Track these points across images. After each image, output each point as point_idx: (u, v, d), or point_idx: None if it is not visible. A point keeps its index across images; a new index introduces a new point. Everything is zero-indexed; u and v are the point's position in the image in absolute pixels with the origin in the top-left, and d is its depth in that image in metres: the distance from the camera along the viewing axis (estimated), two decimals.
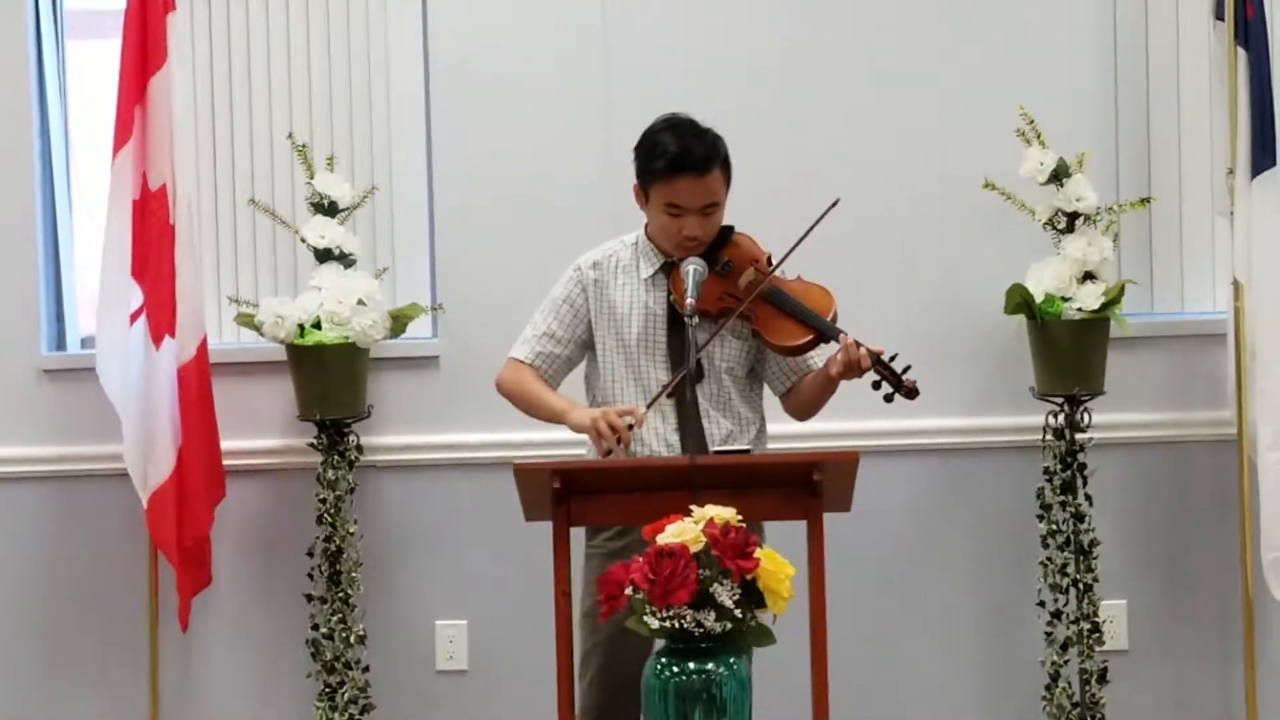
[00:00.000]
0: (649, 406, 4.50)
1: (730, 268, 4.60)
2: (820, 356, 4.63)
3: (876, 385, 4.47)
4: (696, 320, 4.35)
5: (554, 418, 4.65)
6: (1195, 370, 5.85)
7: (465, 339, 5.86)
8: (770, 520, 4.30)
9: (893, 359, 4.47)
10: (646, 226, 4.69)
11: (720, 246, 4.62)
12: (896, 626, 5.89)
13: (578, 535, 4.28)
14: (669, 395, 4.50)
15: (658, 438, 4.57)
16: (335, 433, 5.71)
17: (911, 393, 4.47)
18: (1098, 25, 5.86)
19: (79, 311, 6.06)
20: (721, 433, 4.60)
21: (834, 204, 4.50)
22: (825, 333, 4.52)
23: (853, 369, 4.44)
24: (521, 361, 4.72)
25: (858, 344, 4.44)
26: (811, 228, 4.49)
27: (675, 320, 4.56)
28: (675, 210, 4.54)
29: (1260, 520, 5.53)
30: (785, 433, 4.89)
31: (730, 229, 4.66)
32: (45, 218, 5.98)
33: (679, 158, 4.51)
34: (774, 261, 4.59)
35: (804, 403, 4.72)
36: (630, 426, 4.42)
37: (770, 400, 4.78)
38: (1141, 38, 5.88)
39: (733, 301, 4.54)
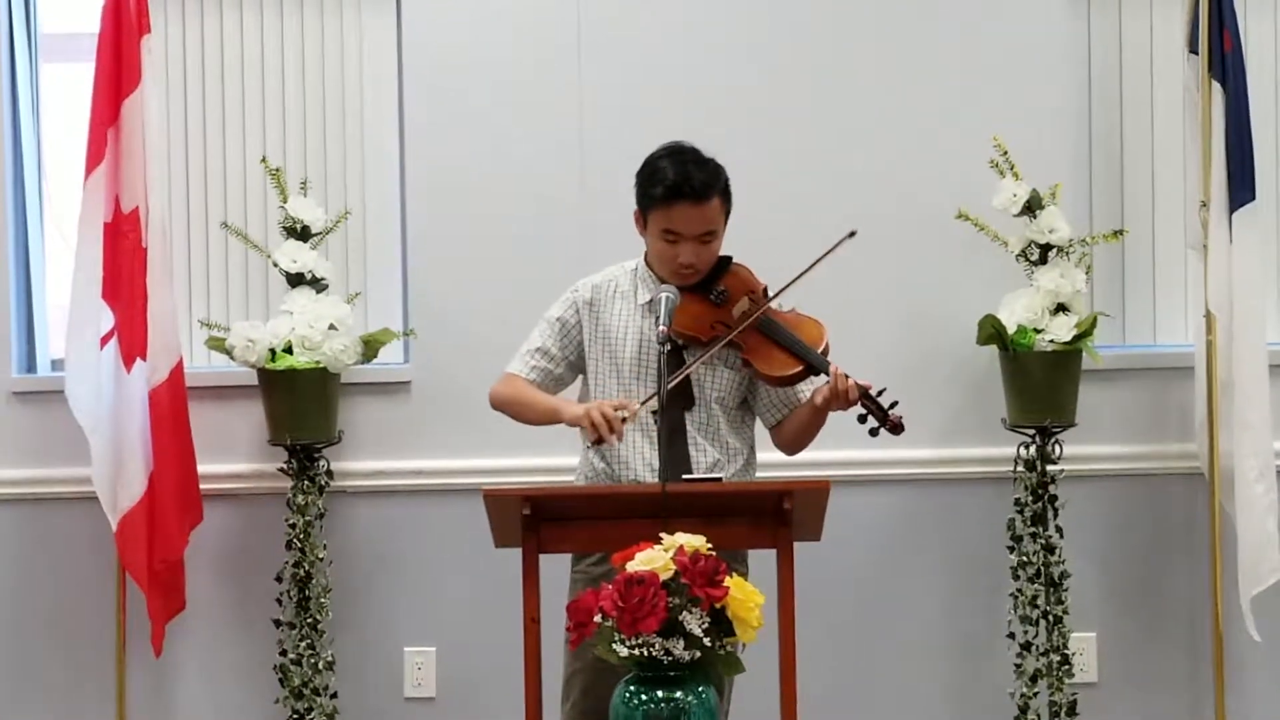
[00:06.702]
0: (643, 404, 4.49)
1: (726, 297, 4.60)
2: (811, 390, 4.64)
3: (862, 419, 4.48)
4: (668, 347, 4.35)
5: (549, 415, 4.65)
6: (1167, 402, 5.86)
7: (437, 365, 5.85)
8: (740, 549, 4.29)
9: (880, 393, 4.48)
10: (646, 254, 4.70)
11: (718, 276, 4.63)
12: (866, 657, 5.88)
13: (549, 561, 4.27)
14: (657, 421, 4.49)
15: (643, 461, 4.58)
16: (306, 457, 5.70)
17: (896, 428, 4.48)
18: (1072, 58, 5.87)
19: (50, 333, 6.04)
20: (708, 460, 4.60)
21: (850, 234, 4.56)
22: (815, 365, 4.52)
23: (840, 400, 4.46)
24: (515, 375, 4.73)
25: (846, 376, 4.45)
26: (821, 258, 4.54)
27: (670, 347, 4.56)
28: (672, 236, 4.55)
29: (1239, 556, 5.54)
30: (758, 461, 4.87)
31: (729, 259, 4.67)
32: (17, 239, 5.97)
33: (677, 184, 4.52)
34: (769, 293, 4.60)
35: (792, 435, 4.71)
36: (624, 420, 4.41)
37: (761, 433, 4.78)
38: (1115, 71, 5.91)
39: (724, 330, 4.55)
